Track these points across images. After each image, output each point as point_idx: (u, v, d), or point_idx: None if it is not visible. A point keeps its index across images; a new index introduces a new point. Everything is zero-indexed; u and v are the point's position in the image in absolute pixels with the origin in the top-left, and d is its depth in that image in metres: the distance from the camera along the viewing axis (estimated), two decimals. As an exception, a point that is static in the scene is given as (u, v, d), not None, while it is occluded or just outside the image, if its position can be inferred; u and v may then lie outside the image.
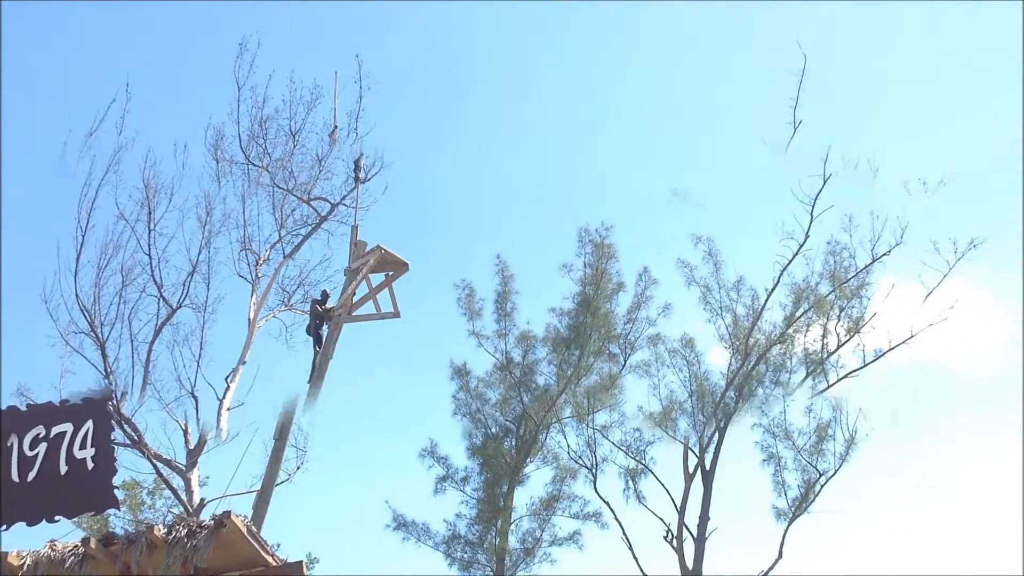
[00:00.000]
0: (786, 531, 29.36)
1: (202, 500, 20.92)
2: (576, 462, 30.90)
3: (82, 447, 9.77)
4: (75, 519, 11.82)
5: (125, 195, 23.08)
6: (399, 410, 42.07)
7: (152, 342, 22.52)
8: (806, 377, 30.56)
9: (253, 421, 21.11)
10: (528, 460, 30.90)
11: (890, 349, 29.70)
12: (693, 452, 30.47)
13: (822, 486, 29.60)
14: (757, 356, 30.40)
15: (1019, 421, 30.30)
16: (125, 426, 21.06)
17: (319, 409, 16.97)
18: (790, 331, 30.51)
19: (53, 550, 9.44)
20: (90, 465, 9.71)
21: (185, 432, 21.75)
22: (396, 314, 17.29)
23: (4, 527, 9.63)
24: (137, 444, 21.32)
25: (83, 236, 22.58)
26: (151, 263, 22.80)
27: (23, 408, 10.28)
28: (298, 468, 23.05)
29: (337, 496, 36.37)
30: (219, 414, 21.74)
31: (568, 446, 31.04)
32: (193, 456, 21.53)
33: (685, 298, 31.63)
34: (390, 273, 17.21)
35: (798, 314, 30.51)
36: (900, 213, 29.19)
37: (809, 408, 30.28)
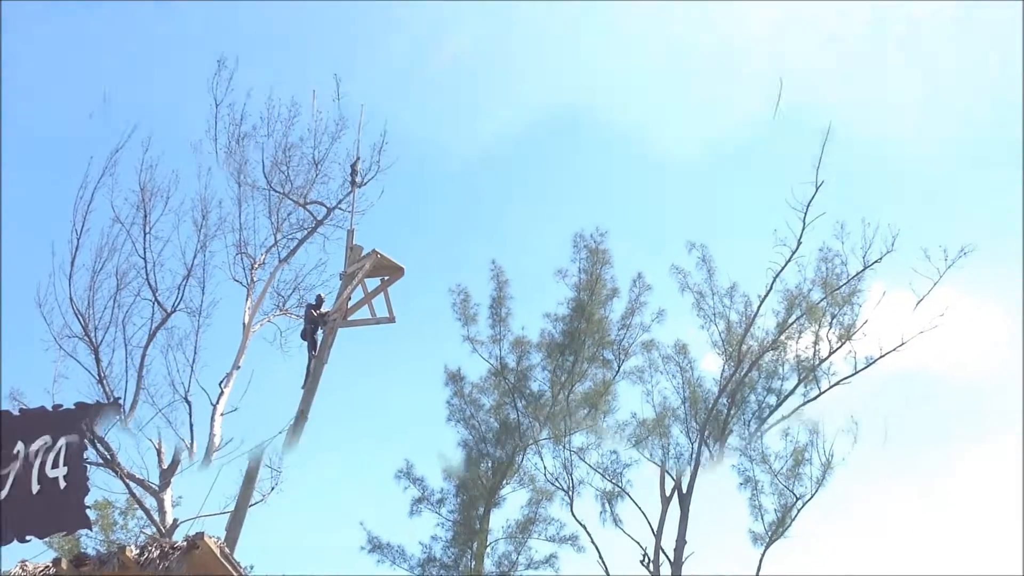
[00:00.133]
0: (763, 555, 29.49)
1: (175, 521, 20.60)
2: (553, 484, 30.86)
3: (54, 465, 9.64)
4: (46, 539, 11.70)
5: (121, 198, 23.10)
6: (389, 419, 42.02)
7: (146, 346, 22.49)
8: (798, 384, 30.71)
9: (245, 428, 21.07)
10: (504, 482, 30.86)
11: (881, 356, 29.88)
12: (670, 475, 30.56)
13: (799, 510, 29.79)
14: (750, 363, 30.54)
15: (1018, 426, 30.41)
16: (98, 445, 20.79)
17: (300, 447, 16.73)
18: (782, 338, 30.68)
19: (24, 570, 9.33)
20: (62, 484, 9.55)
21: (159, 452, 21.55)
22: (391, 319, 17.30)
23: None
24: (110, 463, 21.08)
25: (78, 239, 22.55)
26: (146, 267, 22.78)
27: (15, 413, 10.24)
28: (272, 488, 22.96)
29: (313, 516, 36.05)
30: (212, 419, 21.71)
31: (545, 468, 31.03)
32: (166, 476, 21.29)
33: (679, 304, 31.82)
34: (386, 278, 17.21)
35: (790, 321, 30.68)
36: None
37: (786, 432, 30.55)
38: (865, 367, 30.05)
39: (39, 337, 22.13)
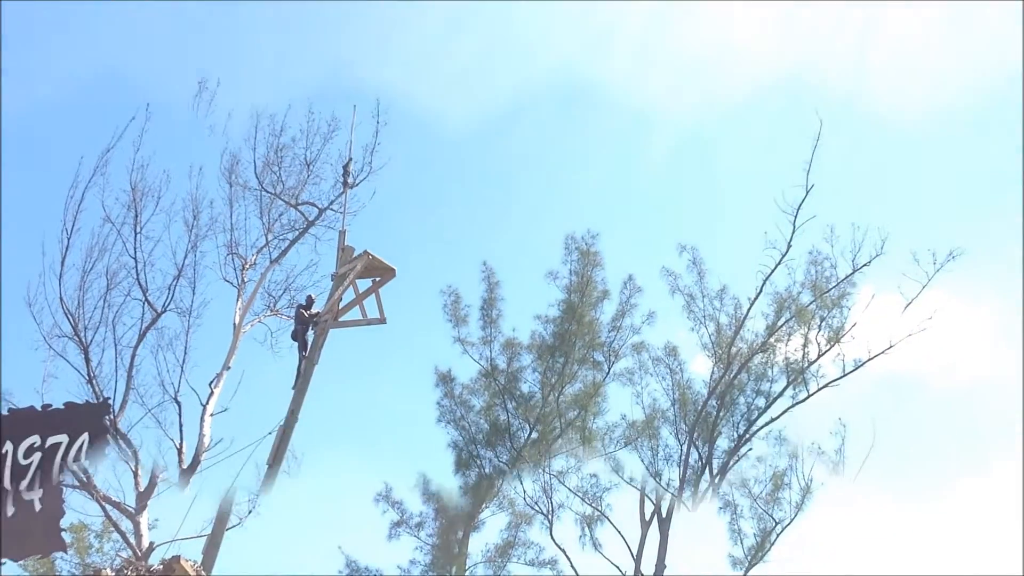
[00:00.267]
0: (744, 578, 29.58)
1: (151, 544, 20.52)
2: (532, 508, 30.73)
3: (30, 488, 9.58)
4: (21, 561, 11.63)
5: (112, 198, 23.08)
6: (378, 421, 41.95)
7: (136, 346, 22.49)
8: (787, 387, 30.77)
9: (235, 429, 21.03)
10: (484, 506, 30.80)
11: (869, 359, 29.94)
12: (649, 499, 30.54)
13: (778, 535, 29.82)
14: (739, 365, 30.63)
15: (1017, 426, 30.52)
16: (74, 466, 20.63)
17: (276, 486, 16.67)
18: (772, 340, 30.75)
19: None
20: (37, 507, 9.49)
21: (135, 474, 21.43)
22: (382, 320, 17.32)
23: None
24: (86, 486, 21.01)
25: (68, 239, 22.55)
26: (136, 267, 22.79)
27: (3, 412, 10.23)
28: (250, 512, 22.93)
29: (292, 534, 35.83)
30: (202, 420, 21.70)
31: (524, 492, 30.87)
32: (143, 499, 21.22)
33: (669, 306, 31.88)
34: (377, 279, 17.24)
35: (780, 324, 30.76)
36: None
37: (762, 458, 30.62)
38: (853, 370, 30.15)
39: (29, 337, 22.14)
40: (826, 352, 30.41)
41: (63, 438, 9.79)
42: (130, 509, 21.12)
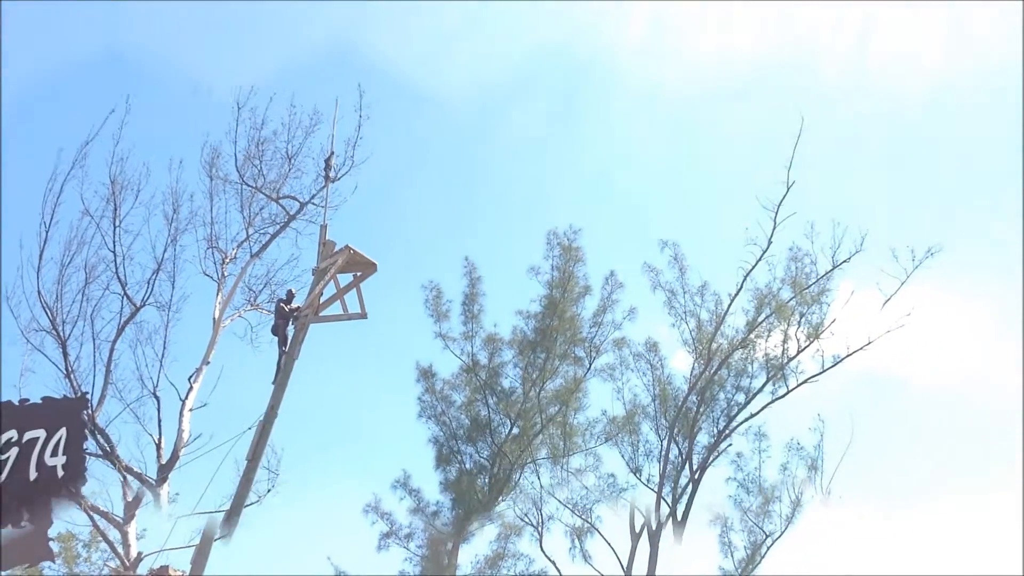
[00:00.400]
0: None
1: (139, 554, 20.41)
2: (522, 519, 30.72)
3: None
4: (8, 571, 11.58)
5: (91, 191, 22.88)
6: (359, 417, 41.80)
7: (115, 341, 22.30)
8: (766, 382, 30.92)
9: (215, 424, 20.90)
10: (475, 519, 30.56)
11: (848, 355, 30.15)
12: (640, 512, 30.52)
13: (768, 548, 30.00)
14: (719, 361, 30.73)
15: (1015, 430, 30.66)
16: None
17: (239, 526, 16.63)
18: (752, 336, 30.88)
19: None
20: (25, 516, 9.47)
21: (124, 481, 21.32)
22: (363, 315, 17.27)
23: None
24: (73, 496, 20.85)
25: (47, 232, 22.32)
26: (115, 260, 22.58)
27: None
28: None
29: (281, 539, 35.65)
30: (181, 415, 21.57)
31: (515, 503, 30.82)
32: (131, 509, 21.04)
33: (650, 302, 31.97)
34: (358, 274, 17.17)
35: (760, 319, 30.90)
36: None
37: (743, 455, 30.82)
38: (832, 366, 30.36)
39: (6, 331, 21.93)
40: (805, 348, 30.60)
41: (41, 433, 9.76)
42: (118, 519, 20.91)
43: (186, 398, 21.59)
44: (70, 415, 10.33)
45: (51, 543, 9.74)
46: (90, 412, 20.02)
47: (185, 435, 21.34)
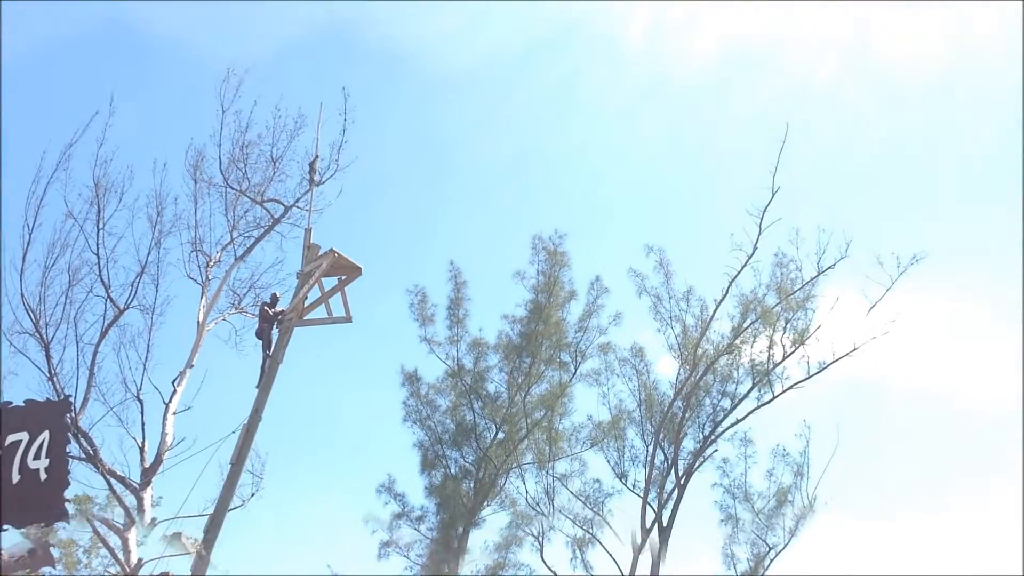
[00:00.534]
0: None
1: (140, 560, 20.08)
2: (521, 531, 30.73)
3: (36, 457, 9.58)
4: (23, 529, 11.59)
5: (74, 193, 22.74)
6: (344, 422, 41.71)
7: (98, 344, 22.13)
8: (752, 388, 31.00)
9: (198, 428, 20.80)
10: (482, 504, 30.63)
11: (833, 361, 30.25)
12: (649, 511, 30.49)
13: (772, 560, 30.05)
14: (705, 366, 30.78)
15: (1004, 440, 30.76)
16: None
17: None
18: (737, 342, 30.95)
19: None
20: (43, 476, 9.49)
21: (113, 471, 21.21)
22: (348, 319, 17.27)
23: None
24: (92, 459, 20.88)
25: (30, 234, 22.14)
26: (99, 263, 22.40)
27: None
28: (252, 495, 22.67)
29: (278, 541, 35.52)
30: (165, 418, 21.46)
31: (515, 507, 30.86)
32: (131, 515, 21.04)
33: (636, 307, 32.03)
34: (343, 277, 17.16)
35: (745, 325, 30.96)
36: None
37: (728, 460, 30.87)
38: (818, 372, 30.46)
39: (-12, 333, 21.73)
40: (791, 354, 30.70)
41: (23, 436, 9.70)
42: (118, 525, 20.68)
43: (170, 401, 21.47)
44: (53, 418, 10.27)
45: (51, 549, 9.70)
46: (73, 415, 19.92)
47: (169, 439, 21.21)
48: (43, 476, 9.74)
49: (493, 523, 30.99)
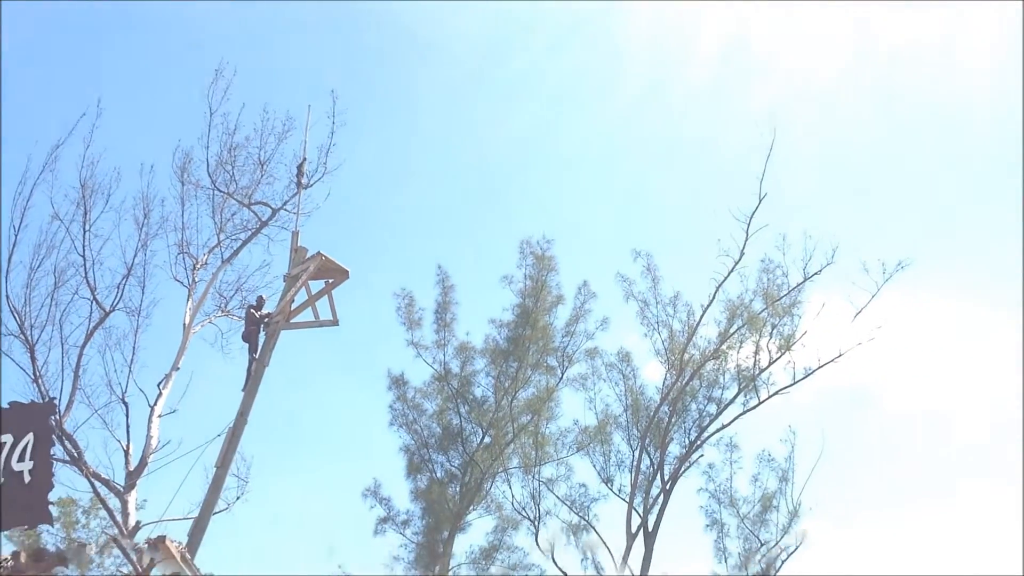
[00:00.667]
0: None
1: (138, 523, 20.33)
2: (520, 513, 30.82)
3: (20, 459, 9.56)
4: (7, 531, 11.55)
5: (61, 194, 22.69)
6: (333, 423, 41.63)
7: (83, 346, 22.13)
8: (738, 393, 31.08)
9: (184, 431, 20.77)
10: (471, 508, 30.68)
11: (819, 367, 30.35)
12: (637, 512, 30.50)
13: (763, 556, 30.11)
14: (691, 372, 30.85)
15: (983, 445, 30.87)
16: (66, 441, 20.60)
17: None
18: (724, 347, 31.03)
19: None
20: (27, 478, 9.48)
21: (126, 453, 21.16)
22: (335, 322, 17.23)
23: None
24: (76, 461, 20.83)
25: (16, 235, 22.15)
26: (85, 265, 22.41)
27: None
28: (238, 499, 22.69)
29: (274, 526, 35.44)
30: (150, 421, 21.40)
31: (512, 496, 30.94)
32: (132, 478, 20.91)
33: (623, 312, 32.07)
34: (330, 280, 17.13)
35: (732, 331, 31.05)
36: None
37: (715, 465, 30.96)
38: (803, 378, 30.57)
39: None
40: (777, 360, 30.80)
41: (8, 438, 9.68)
42: (119, 487, 20.84)
43: (155, 404, 21.44)
44: (37, 420, 10.24)
45: (50, 507, 9.71)
46: (58, 417, 19.87)
47: (154, 441, 21.18)
48: (27, 478, 9.70)
49: (479, 527, 31.06)
